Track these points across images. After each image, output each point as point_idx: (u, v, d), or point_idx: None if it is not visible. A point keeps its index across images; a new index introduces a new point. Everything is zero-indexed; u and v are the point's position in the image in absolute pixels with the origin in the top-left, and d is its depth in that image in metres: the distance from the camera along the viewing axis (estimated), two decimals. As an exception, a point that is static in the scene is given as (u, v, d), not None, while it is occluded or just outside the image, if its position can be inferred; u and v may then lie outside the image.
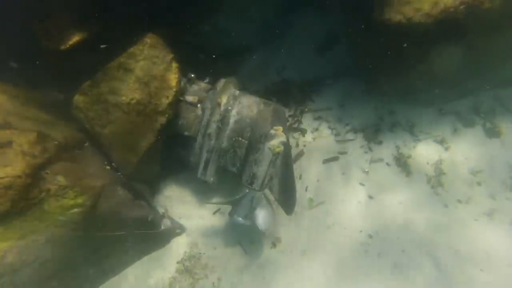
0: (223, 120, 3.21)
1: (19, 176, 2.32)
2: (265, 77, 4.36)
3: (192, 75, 3.42)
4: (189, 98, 3.34)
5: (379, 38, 3.29)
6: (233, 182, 3.57)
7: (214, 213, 3.65)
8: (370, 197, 3.59)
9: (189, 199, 3.71)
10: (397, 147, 3.76)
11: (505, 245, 3.18)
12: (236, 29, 4.28)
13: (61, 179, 2.57)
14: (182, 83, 3.31)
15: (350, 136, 3.91)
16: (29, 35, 2.74)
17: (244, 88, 3.62)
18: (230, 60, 4.34)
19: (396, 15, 3.00)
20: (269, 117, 3.18)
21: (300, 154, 3.89)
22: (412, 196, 3.52)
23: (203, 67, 3.65)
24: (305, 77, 4.30)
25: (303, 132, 4.02)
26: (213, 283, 3.34)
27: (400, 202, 3.51)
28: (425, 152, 3.68)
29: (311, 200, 3.64)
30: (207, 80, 3.54)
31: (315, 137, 3.98)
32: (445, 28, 2.92)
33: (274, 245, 3.47)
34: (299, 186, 3.61)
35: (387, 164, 3.71)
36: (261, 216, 3.16)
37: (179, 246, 3.51)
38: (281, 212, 3.38)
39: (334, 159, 3.82)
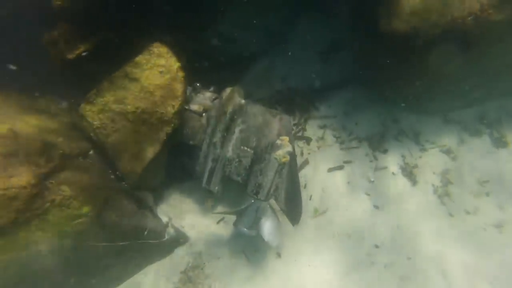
0: (229, 129, 3.19)
1: (25, 187, 2.30)
2: (269, 85, 4.35)
3: (198, 84, 3.41)
4: (194, 107, 3.33)
5: (385, 46, 3.29)
6: (238, 191, 3.54)
7: (218, 222, 3.61)
8: (376, 206, 3.55)
9: (193, 208, 3.68)
10: (403, 156, 3.74)
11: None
12: (241, 36, 4.29)
13: (65, 189, 2.55)
14: (187, 92, 3.30)
15: (354, 144, 3.89)
16: (36, 44, 2.74)
17: (249, 96, 3.61)
18: (235, 67, 4.34)
19: (403, 24, 3.00)
20: (275, 127, 3.16)
21: (305, 163, 3.86)
22: (418, 206, 3.49)
23: (207, 74, 3.65)
24: (309, 84, 4.29)
25: (308, 140, 4.00)
26: (217, 294, 3.30)
27: (407, 212, 3.47)
28: (431, 161, 3.66)
29: (316, 210, 3.60)
30: (212, 88, 3.53)
31: (320, 145, 3.96)
32: (452, 39, 2.91)
33: (279, 255, 3.43)
34: (303, 195, 3.57)
35: (393, 173, 3.68)
36: (266, 227, 3.12)
37: (182, 256, 3.47)
38: (286, 221, 3.34)
39: (339, 168, 3.79)
